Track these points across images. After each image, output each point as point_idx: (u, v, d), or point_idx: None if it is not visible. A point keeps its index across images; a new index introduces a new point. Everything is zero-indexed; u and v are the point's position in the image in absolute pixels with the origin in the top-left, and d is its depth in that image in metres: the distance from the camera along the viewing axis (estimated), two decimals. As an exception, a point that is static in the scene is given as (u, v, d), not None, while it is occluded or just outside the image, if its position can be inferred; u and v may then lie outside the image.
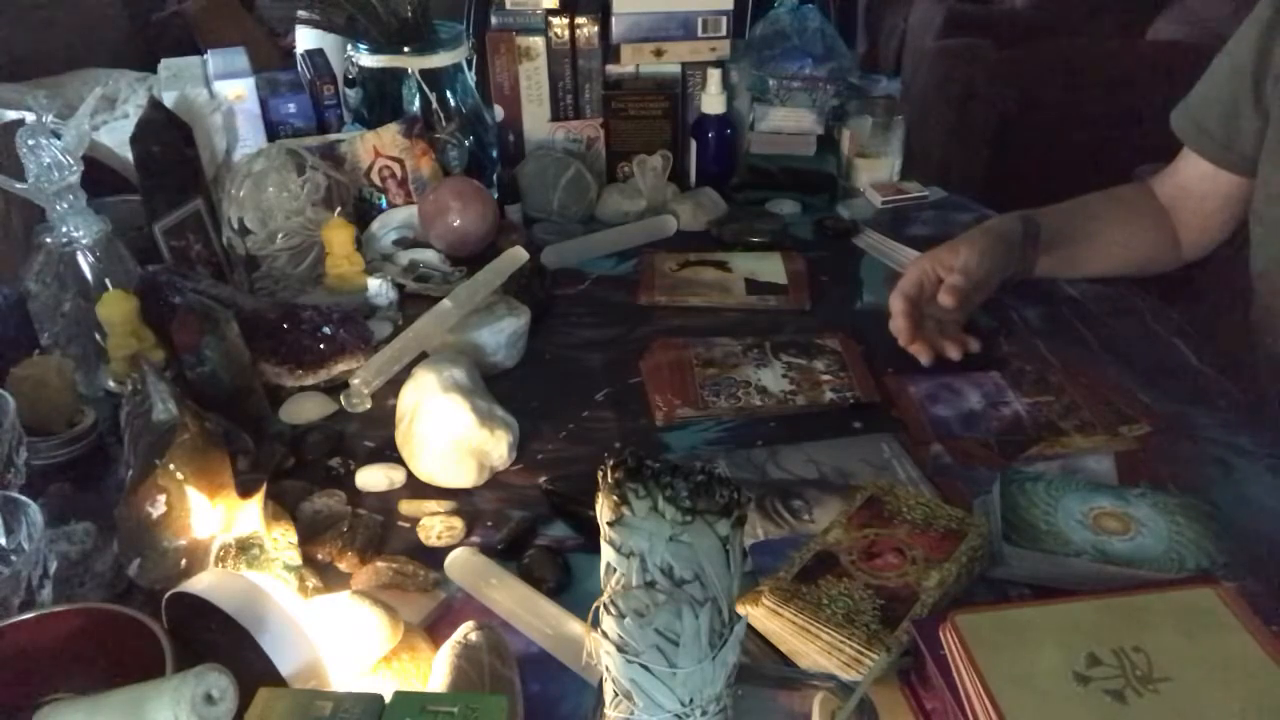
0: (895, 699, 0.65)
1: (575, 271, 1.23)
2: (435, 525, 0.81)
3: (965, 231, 1.09)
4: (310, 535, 0.79)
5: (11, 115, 1.25)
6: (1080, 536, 0.75)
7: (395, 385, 0.92)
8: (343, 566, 0.78)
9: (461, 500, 0.85)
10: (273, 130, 1.32)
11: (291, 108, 1.32)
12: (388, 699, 0.55)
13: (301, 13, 1.40)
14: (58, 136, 0.92)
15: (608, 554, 0.52)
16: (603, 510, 0.51)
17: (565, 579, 0.76)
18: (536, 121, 1.42)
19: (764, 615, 0.69)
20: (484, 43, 1.38)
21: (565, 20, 1.37)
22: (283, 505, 0.80)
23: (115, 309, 0.93)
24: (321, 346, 0.99)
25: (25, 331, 0.98)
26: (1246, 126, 0.99)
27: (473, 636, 0.66)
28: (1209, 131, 1.03)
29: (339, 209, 1.20)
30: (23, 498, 0.69)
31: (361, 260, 1.15)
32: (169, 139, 1.08)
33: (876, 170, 1.42)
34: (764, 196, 1.39)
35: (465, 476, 0.86)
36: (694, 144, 1.40)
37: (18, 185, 0.92)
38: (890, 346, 1.04)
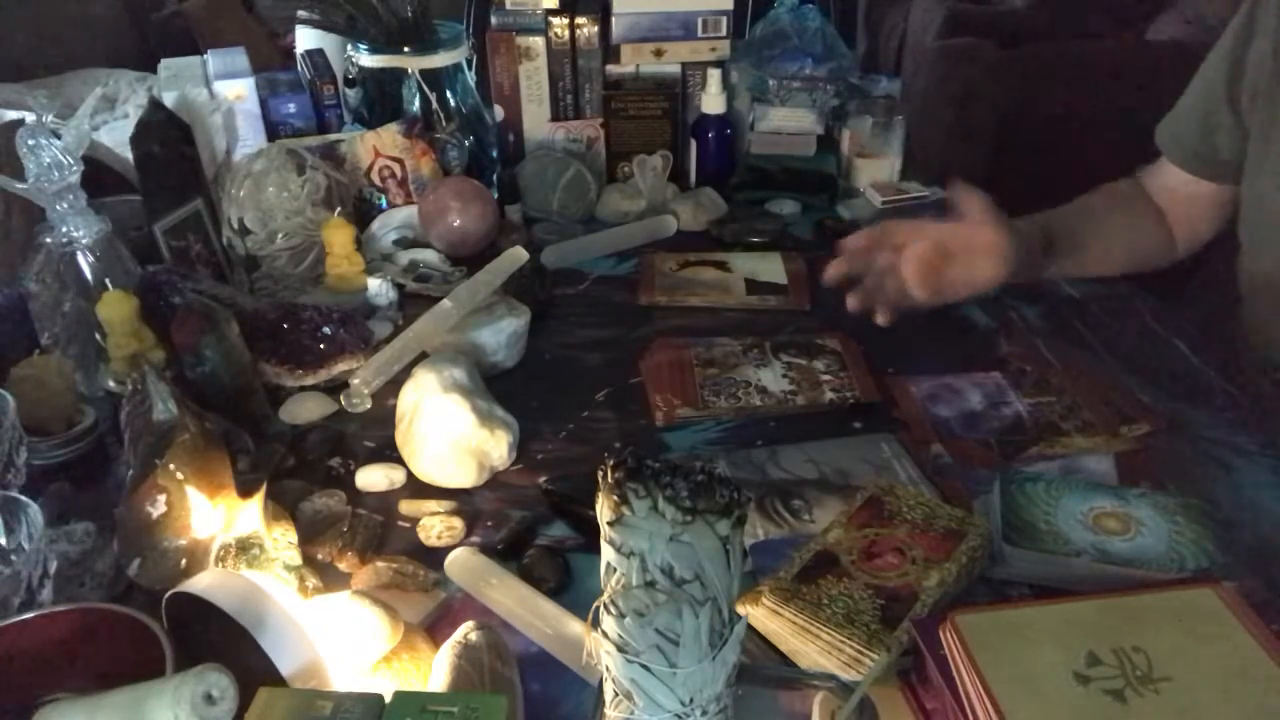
0: (895, 699, 0.65)
1: (575, 271, 1.23)
2: (435, 525, 0.81)
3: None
4: (310, 535, 0.79)
5: (11, 115, 1.25)
6: (1080, 536, 0.75)
7: (395, 385, 0.92)
8: (343, 566, 0.78)
9: (461, 500, 0.85)
10: (273, 130, 1.32)
11: (291, 108, 1.32)
12: (388, 699, 0.55)
13: (301, 13, 1.40)
14: (58, 136, 0.92)
15: (608, 554, 0.52)
16: (603, 510, 0.51)
17: (565, 579, 0.76)
18: (536, 121, 1.42)
19: (764, 615, 0.69)
20: (484, 43, 1.38)
21: (565, 20, 1.37)
22: (283, 505, 0.80)
23: (115, 309, 0.93)
24: (321, 346, 0.99)
25: (25, 331, 0.98)
26: (1224, 137, 1.00)
27: (473, 636, 0.66)
28: (1185, 144, 1.04)
29: (339, 209, 1.20)
30: (23, 498, 0.69)
31: (361, 260, 1.15)
32: (169, 139, 1.08)
33: (876, 170, 1.42)
34: (764, 196, 1.38)
35: (465, 476, 0.86)
36: (694, 144, 1.40)
37: (18, 185, 0.92)
38: (890, 347, 1.04)
